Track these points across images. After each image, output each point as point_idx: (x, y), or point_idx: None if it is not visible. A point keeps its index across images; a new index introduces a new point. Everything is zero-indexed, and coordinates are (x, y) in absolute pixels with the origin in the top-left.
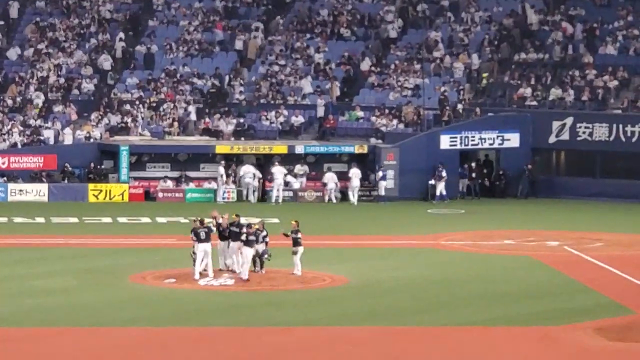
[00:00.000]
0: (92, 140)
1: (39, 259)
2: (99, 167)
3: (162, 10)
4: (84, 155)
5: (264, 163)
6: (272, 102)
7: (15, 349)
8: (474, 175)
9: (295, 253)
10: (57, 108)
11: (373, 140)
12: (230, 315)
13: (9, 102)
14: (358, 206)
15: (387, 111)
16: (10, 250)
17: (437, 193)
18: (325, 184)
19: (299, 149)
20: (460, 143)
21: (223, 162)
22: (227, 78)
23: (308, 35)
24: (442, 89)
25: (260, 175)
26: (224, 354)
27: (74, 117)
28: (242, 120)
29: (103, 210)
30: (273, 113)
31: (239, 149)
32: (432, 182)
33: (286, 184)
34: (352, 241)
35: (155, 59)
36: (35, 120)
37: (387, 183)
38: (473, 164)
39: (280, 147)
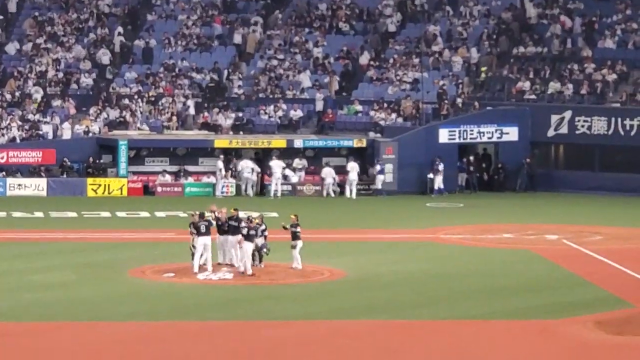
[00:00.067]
0: (90, 134)
1: (38, 254)
2: (97, 161)
3: (161, 5)
4: (82, 150)
5: (262, 157)
6: (271, 96)
7: (14, 344)
8: (471, 169)
9: (294, 247)
10: (56, 102)
11: (372, 134)
12: (229, 309)
13: (8, 96)
14: (357, 200)
15: (385, 105)
16: (9, 245)
17: (435, 187)
18: (323, 179)
19: (298, 143)
20: (459, 137)
21: (222, 156)
22: (225, 72)
23: (307, 30)
24: (441, 82)
25: (259, 170)
26: (223, 348)
27: (73, 111)
28: (240, 114)
29: (102, 205)
30: (272, 107)
31: (238, 143)
32: (430, 175)
33: (284, 177)
34: (351, 235)
35: (154, 53)
36: (34, 115)
37: (385, 177)
38: (471, 158)
39: (279, 141)
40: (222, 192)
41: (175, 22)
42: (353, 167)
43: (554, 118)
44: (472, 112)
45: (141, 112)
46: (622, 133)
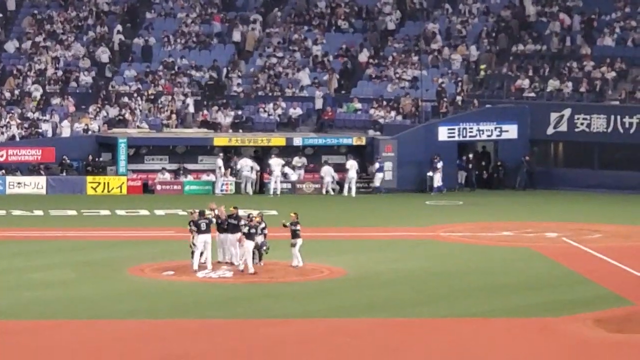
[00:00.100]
0: (90, 132)
1: (38, 252)
2: (97, 159)
3: (160, 3)
4: (82, 148)
5: (262, 155)
6: (270, 94)
7: (14, 342)
8: (470, 166)
9: (293, 245)
10: (55, 101)
11: (371, 132)
12: (229, 308)
13: (7, 94)
14: (356, 198)
15: (385, 103)
16: (8, 243)
17: (435, 185)
18: (322, 177)
19: (297, 141)
20: (458, 135)
21: (221, 154)
22: (224, 70)
23: (306, 28)
24: (440, 80)
25: (258, 168)
26: (223, 346)
27: (72, 109)
28: (240, 112)
29: (101, 203)
30: (271, 105)
31: (237, 141)
32: (430, 174)
33: (284, 175)
34: (351, 233)
35: (153, 51)
36: (33, 113)
37: (385, 175)
38: (470, 156)
39: (278, 139)
40: (221, 190)
41: (174, 20)
42: (352, 165)
43: (553, 116)
44: (471, 109)
45: (140, 110)
46: (621, 131)
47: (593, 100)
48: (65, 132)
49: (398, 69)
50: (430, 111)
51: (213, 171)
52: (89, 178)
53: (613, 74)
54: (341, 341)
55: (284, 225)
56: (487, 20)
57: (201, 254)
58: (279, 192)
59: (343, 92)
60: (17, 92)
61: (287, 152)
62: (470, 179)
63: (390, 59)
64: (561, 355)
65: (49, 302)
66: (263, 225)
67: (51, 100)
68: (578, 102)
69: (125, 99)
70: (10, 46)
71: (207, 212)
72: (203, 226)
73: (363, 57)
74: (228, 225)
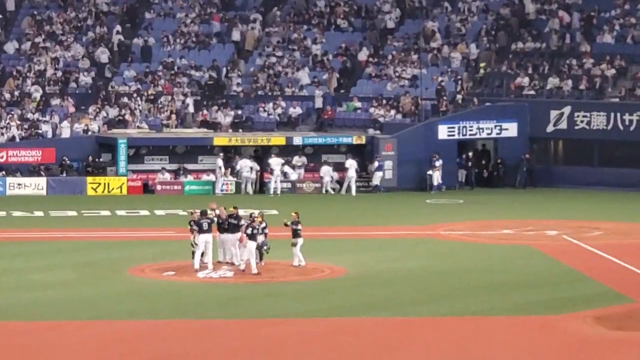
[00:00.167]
0: (90, 133)
1: (38, 253)
2: (97, 160)
3: (159, 3)
4: (82, 149)
5: (262, 155)
6: (270, 93)
7: (14, 343)
8: (469, 164)
9: (294, 245)
10: (55, 101)
11: (371, 131)
12: (230, 308)
13: (7, 96)
14: (356, 197)
15: (384, 102)
16: (8, 244)
17: (435, 183)
18: (322, 177)
19: (297, 141)
20: (458, 133)
21: (221, 154)
22: (224, 70)
23: (305, 27)
24: (440, 79)
25: (258, 168)
26: (223, 347)
27: (72, 110)
28: (239, 112)
29: (101, 204)
30: (271, 104)
31: (237, 140)
32: (430, 172)
33: (284, 174)
34: (351, 232)
35: (153, 51)
36: (33, 114)
37: (385, 174)
38: (470, 154)
39: (278, 139)
40: (221, 190)
41: (173, 20)
42: (351, 165)
43: (553, 113)
44: (471, 108)
45: (140, 111)
46: (621, 128)
47: (593, 98)
48: (65, 133)
49: (398, 67)
50: (430, 110)
51: (213, 171)
52: (89, 179)
53: (613, 71)
54: (342, 340)
55: (285, 225)
56: (487, 18)
57: (202, 254)
58: (279, 192)
59: (343, 91)
60: (16, 93)
61: (287, 151)
62: (469, 177)
63: (389, 57)
64: (561, 352)
65: (50, 303)
66: (264, 224)
67: (51, 101)
68: (578, 99)
69: (125, 100)
70: (10, 47)
71: (209, 211)
72: (205, 226)
73: (362, 56)
74: (228, 225)
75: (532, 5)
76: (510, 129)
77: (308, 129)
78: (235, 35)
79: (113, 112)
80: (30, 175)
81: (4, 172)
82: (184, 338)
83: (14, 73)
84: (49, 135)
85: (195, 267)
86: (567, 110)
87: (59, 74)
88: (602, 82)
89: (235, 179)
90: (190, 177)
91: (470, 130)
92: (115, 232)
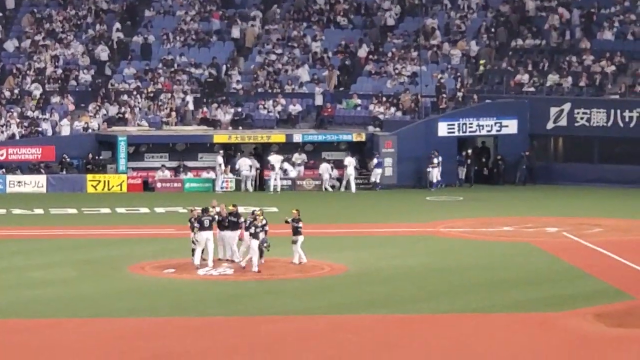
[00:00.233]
0: (90, 131)
1: (38, 250)
2: (97, 157)
3: (159, 0)
4: (82, 146)
5: (262, 152)
6: (270, 91)
7: (15, 341)
8: (469, 162)
9: (295, 242)
10: (55, 99)
11: (371, 128)
12: (230, 305)
13: (7, 93)
14: (356, 194)
15: (384, 99)
16: (8, 242)
17: (434, 180)
18: (321, 175)
19: (297, 138)
20: (458, 130)
21: (221, 151)
22: (224, 67)
23: (305, 24)
24: (439, 76)
25: (258, 165)
26: (224, 344)
27: (72, 108)
28: (239, 109)
29: (101, 201)
30: (271, 102)
31: (237, 138)
32: (428, 169)
33: (284, 171)
34: (351, 229)
35: (152, 49)
36: (33, 112)
37: (384, 171)
38: (469, 151)
39: (278, 136)
40: (221, 188)
41: (173, 17)
42: (350, 162)
43: (553, 110)
44: (471, 105)
45: (140, 108)
46: (621, 125)
47: (593, 95)
48: (65, 131)
49: (397, 64)
50: (430, 107)
51: (213, 168)
52: (89, 176)
53: (613, 67)
54: (342, 338)
55: (286, 222)
56: (486, 15)
57: (202, 251)
58: (279, 189)
59: (342, 88)
60: (16, 91)
61: (287, 148)
62: (468, 174)
63: (389, 54)
64: (561, 350)
65: (50, 301)
66: (264, 222)
67: (51, 99)
68: (578, 96)
69: (125, 97)
70: (10, 45)
71: (211, 209)
72: (206, 223)
73: (362, 53)
74: (228, 223)
75: (532, 2)
76: (510, 126)
77: (308, 126)
78: (235, 33)
79: (113, 110)
80: (30, 173)
81: (4, 170)
82: (184, 335)
83: (14, 71)
84: (49, 133)
85: (196, 263)
86: (567, 107)
87: (59, 71)
88: (602, 79)
89: (235, 176)
90: (190, 175)
91: (470, 127)
92: (115, 229)
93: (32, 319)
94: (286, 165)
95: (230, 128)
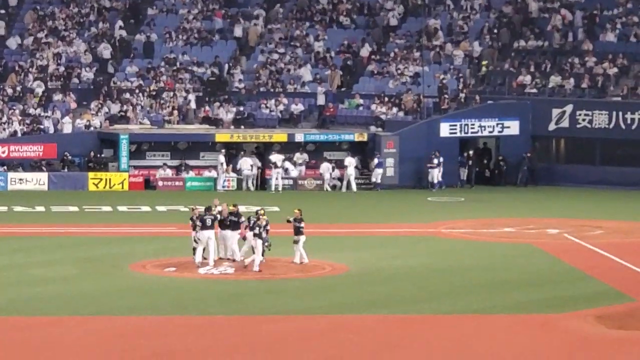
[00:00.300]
0: (92, 129)
1: (39, 248)
2: (98, 155)
3: None
4: (83, 144)
5: (263, 151)
6: (272, 90)
7: (15, 338)
8: (470, 163)
9: (296, 242)
10: (57, 97)
11: (373, 129)
12: (230, 304)
13: (9, 91)
14: (357, 194)
15: (386, 99)
16: (9, 239)
17: (435, 181)
18: (322, 174)
19: (299, 137)
20: (460, 131)
21: (223, 150)
22: (226, 66)
23: (308, 24)
24: (442, 76)
25: (259, 165)
26: (224, 343)
27: (74, 105)
28: (241, 108)
29: (103, 199)
30: (273, 101)
31: (239, 137)
32: (429, 169)
33: (285, 171)
34: (353, 229)
35: (155, 47)
36: (35, 109)
37: (386, 171)
38: (471, 152)
39: (280, 136)
40: (223, 187)
41: (176, 16)
42: (350, 162)
43: (555, 112)
44: (473, 106)
45: (142, 107)
46: (623, 127)
47: (595, 96)
48: (67, 129)
49: (400, 65)
50: (432, 107)
51: (215, 167)
52: (91, 174)
53: (615, 69)
54: (343, 337)
55: (288, 221)
56: (489, 16)
57: (204, 250)
58: (280, 189)
59: (345, 88)
60: (18, 88)
61: (289, 148)
62: (470, 175)
63: (392, 55)
64: (562, 351)
65: (50, 298)
66: (265, 221)
67: (53, 97)
68: (580, 98)
69: (127, 95)
70: (12, 42)
71: (214, 208)
72: (208, 222)
73: (365, 53)
74: (229, 222)
75: (535, 3)
76: (512, 127)
77: (310, 125)
78: (238, 32)
79: (115, 108)
80: (31, 171)
81: (5, 167)
82: (185, 334)
83: (16, 68)
84: (51, 130)
85: (198, 260)
86: (569, 108)
87: (61, 69)
88: (604, 81)
89: (236, 175)
90: (191, 173)
91: (472, 128)
92: (117, 227)
93: (32, 317)
94: (287, 164)
95: (232, 127)
